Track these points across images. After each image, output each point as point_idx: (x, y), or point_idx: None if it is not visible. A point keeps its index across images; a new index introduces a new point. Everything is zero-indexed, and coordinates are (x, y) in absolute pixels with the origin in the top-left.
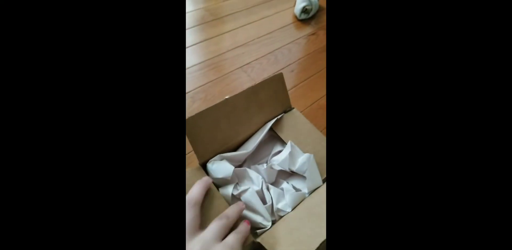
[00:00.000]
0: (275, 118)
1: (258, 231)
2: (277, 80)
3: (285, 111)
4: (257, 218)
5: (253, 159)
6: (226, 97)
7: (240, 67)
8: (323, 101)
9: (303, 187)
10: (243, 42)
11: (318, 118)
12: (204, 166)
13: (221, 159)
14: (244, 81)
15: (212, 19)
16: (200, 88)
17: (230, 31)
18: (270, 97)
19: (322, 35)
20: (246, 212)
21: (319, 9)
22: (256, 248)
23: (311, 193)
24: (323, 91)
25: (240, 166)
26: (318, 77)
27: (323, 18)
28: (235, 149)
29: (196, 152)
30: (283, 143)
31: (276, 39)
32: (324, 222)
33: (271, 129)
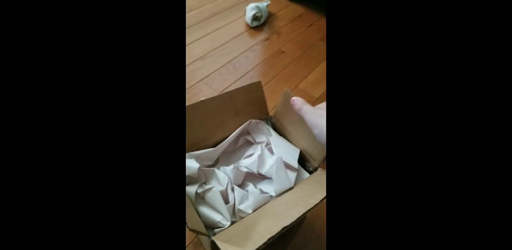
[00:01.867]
0: (250, 121)
1: (216, 230)
2: (255, 88)
3: (262, 119)
4: (217, 217)
5: (226, 161)
6: (202, 99)
7: (201, 80)
8: None
9: (271, 190)
10: (200, 56)
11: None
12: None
13: (190, 157)
14: (207, 94)
15: None
16: None
17: (186, 46)
18: (247, 104)
19: (276, 40)
20: (207, 211)
21: (269, 15)
22: (214, 246)
23: (278, 196)
24: None
25: (211, 166)
26: (277, 80)
27: (274, 23)
28: (207, 148)
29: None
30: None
31: (232, 49)
32: (279, 220)
33: (248, 133)
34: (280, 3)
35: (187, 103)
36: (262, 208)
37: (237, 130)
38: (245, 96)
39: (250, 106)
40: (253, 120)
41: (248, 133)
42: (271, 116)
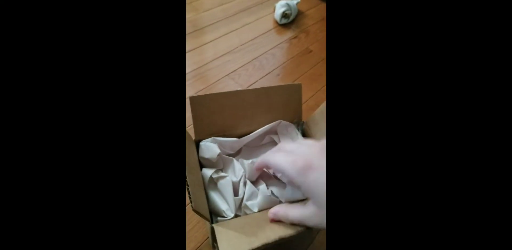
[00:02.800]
0: (280, 121)
1: (219, 218)
2: (294, 90)
3: (294, 122)
4: (223, 206)
5: (247, 155)
6: (238, 89)
7: (227, 75)
8: (312, 102)
9: (281, 196)
10: (227, 51)
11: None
12: (197, 144)
13: (214, 142)
14: (233, 88)
15: (194, 30)
16: (188, 99)
17: (212, 40)
18: (282, 103)
19: (304, 38)
20: (216, 198)
21: (298, 13)
22: (213, 232)
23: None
24: (310, 93)
25: (232, 156)
26: (303, 79)
27: (303, 21)
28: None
29: (195, 128)
30: None
31: (259, 45)
32: (279, 229)
33: (275, 133)
34: (310, 2)
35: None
36: (268, 210)
37: (266, 126)
38: (282, 96)
39: (284, 107)
40: (284, 122)
41: (276, 133)
42: (304, 121)
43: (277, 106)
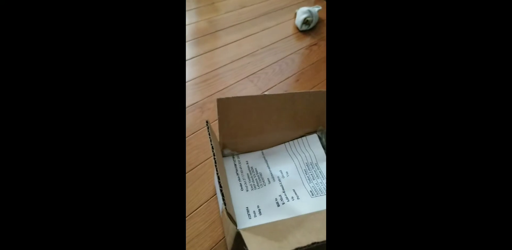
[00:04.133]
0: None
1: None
2: (320, 97)
3: (318, 130)
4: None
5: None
6: (265, 93)
7: (247, 76)
8: None
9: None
10: (248, 53)
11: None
12: (223, 145)
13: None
14: (252, 91)
15: (215, 30)
16: (208, 98)
17: (233, 42)
18: (307, 110)
19: (324, 46)
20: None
21: (319, 20)
22: (238, 237)
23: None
24: None
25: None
26: (322, 86)
27: (323, 29)
28: (256, 143)
29: (220, 131)
30: None
31: (279, 50)
32: (311, 235)
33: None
34: None
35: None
36: (295, 218)
37: (289, 142)
38: (307, 103)
39: (309, 114)
40: (309, 137)
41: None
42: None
43: (302, 113)
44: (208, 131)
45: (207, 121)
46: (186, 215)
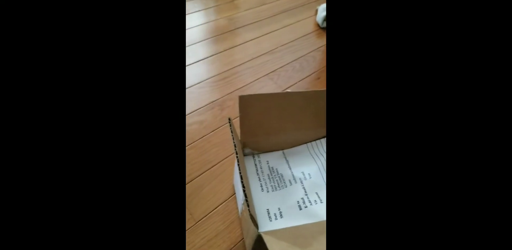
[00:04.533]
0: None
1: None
2: None
3: None
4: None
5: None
6: (288, 90)
7: (266, 74)
8: None
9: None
10: (267, 50)
11: None
12: (243, 144)
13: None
14: (272, 89)
15: (235, 28)
16: (227, 96)
17: (253, 39)
18: None
19: None
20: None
21: None
22: (259, 240)
23: None
24: None
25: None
26: None
27: None
28: (277, 142)
29: (241, 128)
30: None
31: (300, 47)
32: None
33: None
34: None
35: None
36: (319, 223)
37: (311, 143)
38: None
39: None
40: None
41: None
42: None
43: (324, 112)
44: (231, 128)
45: (229, 119)
46: (205, 214)
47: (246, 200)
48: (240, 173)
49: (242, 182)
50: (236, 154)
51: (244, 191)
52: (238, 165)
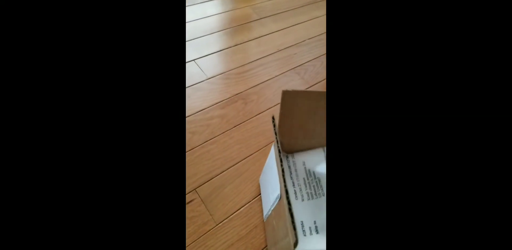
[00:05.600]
0: None
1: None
2: None
3: None
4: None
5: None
6: (312, 87)
7: (293, 68)
8: None
9: None
10: (294, 43)
11: None
12: (280, 143)
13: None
14: (298, 84)
15: (259, 18)
16: (251, 89)
17: (280, 30)
18: None
19: None
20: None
21: None
22: None
23: None
24: None
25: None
26: None
27: None
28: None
29: (280, 127)
30: None
31: None
32: None
33: None
34: None
35: (278, 90)
36: None
37: None
38: None
39: None
40: None
41: None
42: None
43: None
44: (275, 129)
45: (273, 117)
46: (226, 216)
47: (289, 208)
48: (283, 175)
49: (285, 185)
50: (279, 152)
51: (287, 198)
52: (279, 158)
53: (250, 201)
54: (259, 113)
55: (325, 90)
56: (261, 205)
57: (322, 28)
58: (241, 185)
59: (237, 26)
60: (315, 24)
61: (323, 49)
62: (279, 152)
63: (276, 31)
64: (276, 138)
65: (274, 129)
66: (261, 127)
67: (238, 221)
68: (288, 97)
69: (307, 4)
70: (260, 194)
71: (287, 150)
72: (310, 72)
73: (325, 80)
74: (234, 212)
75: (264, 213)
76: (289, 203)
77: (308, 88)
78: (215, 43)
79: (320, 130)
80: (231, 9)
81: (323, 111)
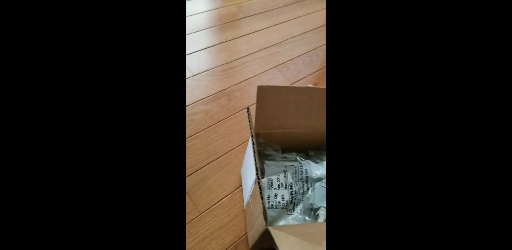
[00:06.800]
0: None
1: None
2: None
3: None
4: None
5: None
6: (309, 86)
7: (275, 66)
8: None
9: None
10: (277, 42)
11: None
12: (256, 134)
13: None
14: (280, 81)
15: (244, 16)
16: (235, 86)
17: (263, 29)
18: None
19: None
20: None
21: None
22: (266, 234)
23: None
24: None
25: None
26: None
27: None
28: (290, 138)
29: (256, 119)
30: None
31: (310, 40)
32: None
33: None
34: None
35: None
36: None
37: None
38: None
39: None
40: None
41: None
42: None
43: None
44: (249, 118)
45: (248, 108)
46: (209, 206)
47: (261, 193)
48: (254, 155)
49: (257, 173)
50: (253, 144)
51: (256, 166)
52: (253, 148)
53: (232, 192)
54: (242, 109)
55: (305, 86)
56: (242, 195)
57: (305, 27)
58: (224, 177)
59: (223, 24)
60: (298, 23)
61: (305, 48)
62: (252, 136)
63: (261, 30)
64: (250, 125)
65: (248, 117)
66: (244, 122)
67: (220, 211)
68: (263, 92)
69: (291, 3)
70: (241, 185)
71: (266, 138)
72: (292, 70)
73: (306, 78)
74: (217, 202)
75: (244, 202)
76: (258, 178)
77: (289, 85)
78: (200, 41)
79: (293, 120)
80: (215, 8)
81: (294, 104)
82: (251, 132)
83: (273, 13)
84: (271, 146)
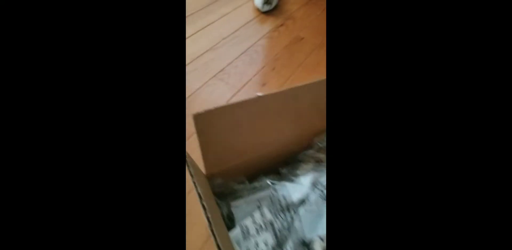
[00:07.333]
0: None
1: None
2: (323, 87)
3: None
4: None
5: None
6: (258, 94)
7: (214, 76)
8: None
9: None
10: (209, 47)
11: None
12: (211, 175)
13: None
14: (224, 91)
15: None
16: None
17: (190, 36)
18: (312, 106)
19: (291, 25)
20: None
21: None
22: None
23: None
24: None
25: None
26: (301, 71)
27: (286, 7)
28: (255, 163)
29: (204, 159)
30: None
31: (244, 38)
32: None
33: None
34: None
35: (204, 103)
36: None
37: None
38: (311, 97)
39: (314, 110)
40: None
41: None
42: None
43: (306, 112)
44: (189, 168)
45: (186, 155)
46: None
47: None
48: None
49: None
50: (190, 170)
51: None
52: (202, 203)
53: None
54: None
55: (257, 91)
56: None
57: (234, 25)
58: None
59: None
60: (225, 22)
61: (241, 47)
62: (192, 176)
63: (188, 37)
64: (187, 163)
65: (188, 168)
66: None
67: None
68: (202, 120)
69: (213, 2)
70: None
71: (220, 175)
72: (234, 75)
73: (252, 80)
74: None
75: None
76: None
77: (236, 93)
78: None
79: (249, 143)
80: None
81: (246, 122)
82: (193, 182)
83: (197, 16)
84: (234, 180)
